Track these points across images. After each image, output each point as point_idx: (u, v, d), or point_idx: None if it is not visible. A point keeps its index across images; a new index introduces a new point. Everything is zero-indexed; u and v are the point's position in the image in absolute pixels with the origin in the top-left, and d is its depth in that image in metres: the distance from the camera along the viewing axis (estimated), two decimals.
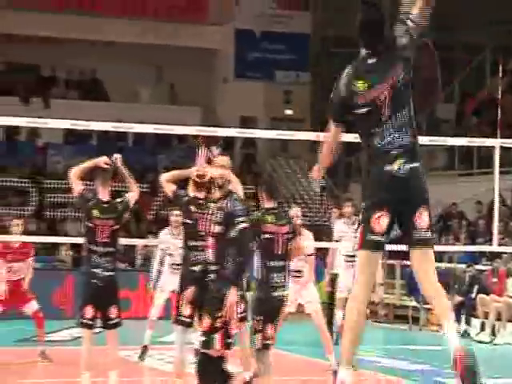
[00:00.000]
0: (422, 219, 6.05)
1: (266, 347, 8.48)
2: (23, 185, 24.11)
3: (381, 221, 5.90)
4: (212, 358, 7.95)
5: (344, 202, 13.87)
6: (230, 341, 8.07)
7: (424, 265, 6.09)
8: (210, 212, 8.60)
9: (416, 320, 19.72)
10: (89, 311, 9.23)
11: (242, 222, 8.09)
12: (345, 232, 13.23)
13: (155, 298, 13.53)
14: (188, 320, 9.26)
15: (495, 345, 17.65)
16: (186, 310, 9.23)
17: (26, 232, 14.71)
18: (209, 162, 9.67)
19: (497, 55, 26.01)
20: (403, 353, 14.79)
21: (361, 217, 6.10)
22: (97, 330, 9.42)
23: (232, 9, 32.32)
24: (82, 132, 27.29)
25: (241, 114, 31.00)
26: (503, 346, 17.48)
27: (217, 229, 8.26)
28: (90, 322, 9.27)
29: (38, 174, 26.55)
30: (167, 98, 32.88)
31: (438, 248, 12.86)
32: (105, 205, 9.45)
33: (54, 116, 15.50)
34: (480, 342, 18.04)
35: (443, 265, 20.44)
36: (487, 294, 18.24)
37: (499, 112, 22.90)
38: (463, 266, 19.84)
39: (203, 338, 7.81)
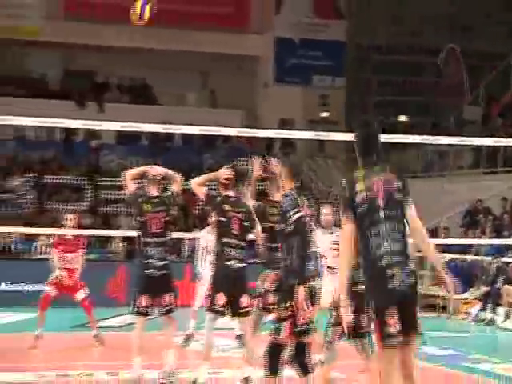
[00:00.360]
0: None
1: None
2: (79, 182, 24.30)
3: None
4: (280, 345, 7.86)
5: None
6: (298, 330, 7.88)
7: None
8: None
9: (444, 309, 19.59)
10: (144, 300, 9.38)
11: (295, 214, 7.98)
12: None
13: (198, 290, 13.56)
14: (221, 309, 9.34)
15: None
16: (221, 300, 9.30)
17: (80, 226, 14.83)
18: (264, 169, 9.89)
19: None
20: (431, 339, 14.70)
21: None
22: (151, 317, 9.55)
23: (272, 18, 32.41)
24: (133, 133, 27.45)
25: (280, 117, 30.99)
26: None
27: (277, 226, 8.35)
28: (145, 310, 9.42)
29: (93, 172, 26.71)
30: (211, 101, 32.95)
31: (465, 241, 12.83)
32: (154, 199, 9.74)
33: (107, 119, 15.55)
34: (505, 329, 17.93)
35: (470, 257, 20.33)
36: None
37: None
38: (489, 258, 19.70)
39: (274, 326, 7.75)
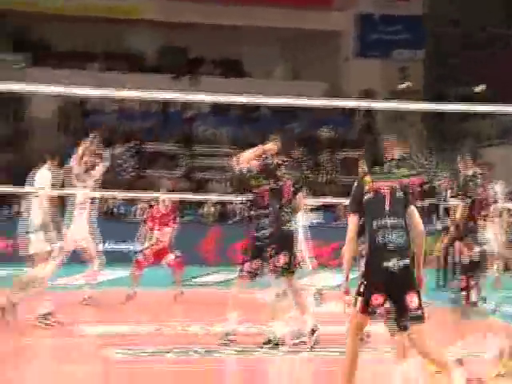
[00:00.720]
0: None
1: None
2: (175, 150, 24.47)
3: None
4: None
5: None
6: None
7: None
8: None
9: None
10: (251, 264, 9.50)
11: None
12: None
13: None
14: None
15: None
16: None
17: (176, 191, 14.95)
18: None
19: None
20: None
21: None
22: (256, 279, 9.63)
23: None
24: (224, 104, 27.51)
25: (361, 88, 30.71)
26: None
27: None
28: (254, 272, 9.52)
29: (188, 141, 26.88)
30: (296, 75, 32.79)
31: None
32: (258, 174, 9.74)
33: (200, 91, 15.59)
34: None
35: None
36: None
37: None
38: None
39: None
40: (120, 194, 19.25)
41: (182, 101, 25.16)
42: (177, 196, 14.51)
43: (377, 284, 6.24)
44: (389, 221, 6.39)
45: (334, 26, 32.00)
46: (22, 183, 11.29)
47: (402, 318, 6.20)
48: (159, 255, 13.39)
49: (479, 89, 31.29)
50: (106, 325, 10.66)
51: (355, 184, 6.70)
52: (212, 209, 22.62)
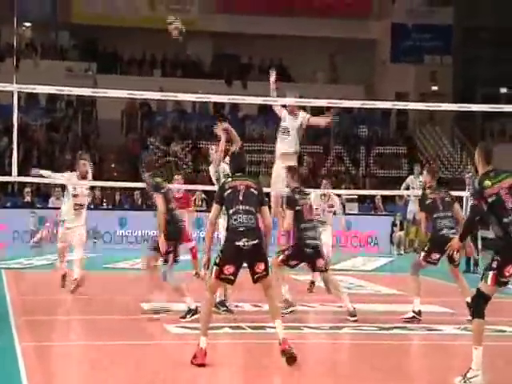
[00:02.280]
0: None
1: None
2: (228, 147, 24.42)
3: None
4: (483, 293, 6.73)
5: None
6: (503, 280, 6.70)
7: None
8: None
9: None
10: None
11: None
12: None
13: None
14: None
15: None
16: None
17: None
18: None
19: None
20: None
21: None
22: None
23: (389, 7, 32.12)
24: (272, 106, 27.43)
25: (395, 91, 30.51)
26: None
27: None
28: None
29: (240, 138, 26.93)
30: (337, 79, 32.68)
31: None
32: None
33: (250, 94, 15.59)
34: None
35: None
36: None
37: None
38: None
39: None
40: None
41: (234, 103, 25.22)
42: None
43: (229, 257, 7.38)
44: (241, 207, 7.44)
45: (372, 34, 31.94)
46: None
47: (254, 277, 7.45)
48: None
49: (504, 90, 30.89)
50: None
51: (220, 185, 7.98)
52: None
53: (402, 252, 20.49)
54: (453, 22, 31.77)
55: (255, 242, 7.37)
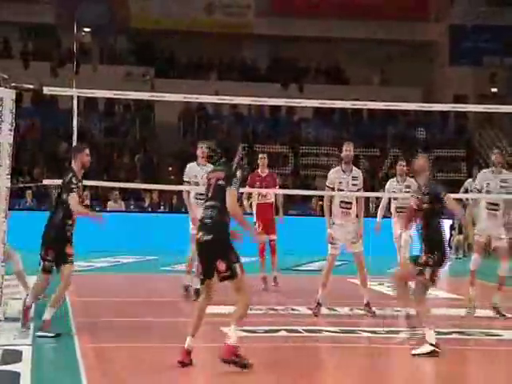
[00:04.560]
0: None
1: None
2: (284, 150, 24.47)
3: None
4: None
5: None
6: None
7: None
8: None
9: None
10: None
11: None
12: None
13: None
14: None
15: None
16: None
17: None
18: None
19: None
20: None
21: None
22: None
23: (448, 8, 31.75)
24: (328, 109, 27.52)
25: (454, 93, 30.17)
26: None
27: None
28: None
29: (295, 141, 26.95)
30: (394, 81, 32.44)
31: None
32: None
33: (306, 97, 15.62)
34: None
35: None
36: None
37: None
38: None
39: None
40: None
41: (290, 106, 25.24)
42: (286, 191, 14.50)
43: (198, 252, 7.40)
44: (207, 203, 7.39)
45: (430, 36, 31.66)
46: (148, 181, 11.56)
47: (218, 276, 7.26)
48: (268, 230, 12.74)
49: None
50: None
51: None
52: (318, 203, 22.61)
53: (461, 256, 20.26)
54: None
55: (209, 237, 7.24)
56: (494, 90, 32.02)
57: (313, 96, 16.36)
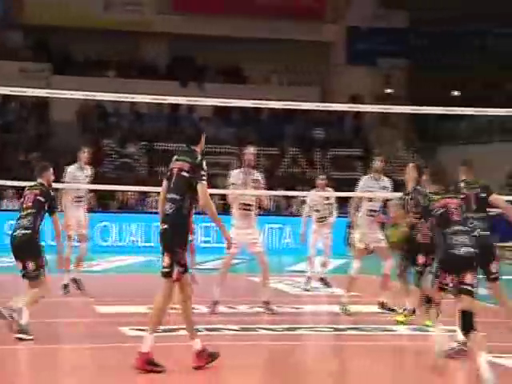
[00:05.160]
0: None
1: None
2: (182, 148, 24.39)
3: None
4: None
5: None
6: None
7: None
8: None
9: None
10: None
11: None
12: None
13: None
14: None
15: None
16: None
17: None
18: None
19: None
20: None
21: None
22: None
23: (344, 9, 32.35)
24: (227, 108, 27.59)
25: (350, 93, 30.73)
26: None
27: None
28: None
29: None
30: (292, 81, 32.79)
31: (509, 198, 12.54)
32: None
33: (205, 96, 15.60)
34: None
35: None
36: None
37: None
38: None
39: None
40: (134, 188, 19.18)
41: (188, 105, 25.15)
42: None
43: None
44: (168, 195, 7.03)
45: (327, 37, 32.12)
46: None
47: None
48: None
49: (455, 93, 31.33)
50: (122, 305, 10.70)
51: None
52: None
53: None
54: (408, 25, 32.12)
55: (164, 226, 6.99)
56: (389, 90, 32.76)
57: (212, 95, 16.39)
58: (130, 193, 22.58)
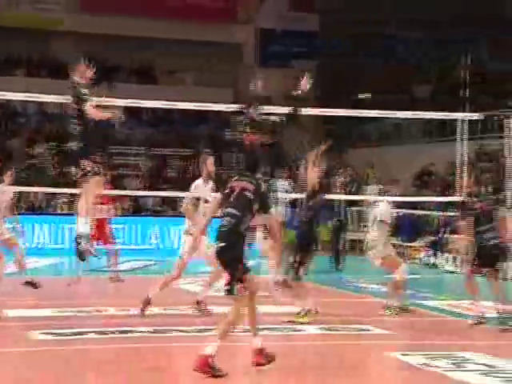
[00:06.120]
0: None
1: None
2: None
3: None
4: None
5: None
6: None
7: None
8: None
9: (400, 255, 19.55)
10: None
11: None
12: None
13: None
14: None
15: (459, 274, 17.59)
16: None
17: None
18: None
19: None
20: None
21: None
22: None
23: (256, 11, 32.64)
24: (139, 109, 27.43)
25: (262, 95, 30.91)
26: None
27: None
28: None
29: (106, 141, 26.58)
30: (205, 82, 32.78)
31: (416, 199, 12.88)
32: None
33: (117, 96, 15.41)
34: (448, 271, 18.03)
35: (420, 212, 20.33)
36: (456, 235, 18.09)
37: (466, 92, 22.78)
38: (436, 212, 19.72)
39: None
40: (42, 189, 18.84)
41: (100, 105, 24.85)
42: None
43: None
44: (226, 210, 7.25)
45: (240, 38, 32.31)
46: None
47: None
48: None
49: (364, 96, 31.90)
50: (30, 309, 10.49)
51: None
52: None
53: None
54: (318, 29, 32.58)
55: (221, 244, 7.17)
56: (300, 92, 33.11)
57: (124, 95, 16.23)
58: (38, 194, 22.14)
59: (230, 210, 7.18)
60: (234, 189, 7.30)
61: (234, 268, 7.09)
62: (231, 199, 7.24)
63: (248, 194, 7.23)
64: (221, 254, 7.17)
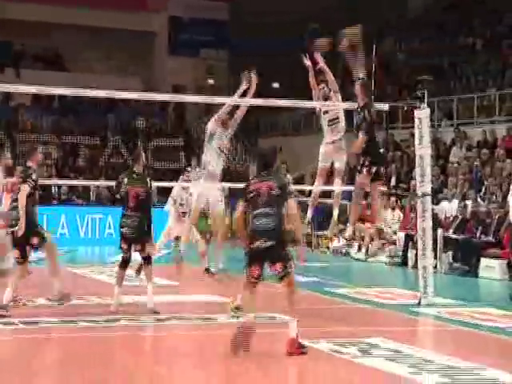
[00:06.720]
0: None
1: None
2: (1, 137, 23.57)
3: None
4: None
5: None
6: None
7: None
8: None
9: (309, 244, 19.86)
10: None
11: None
12: None
13: None
14: None
15: (369, 262, 17.96)
16: None
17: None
18: None
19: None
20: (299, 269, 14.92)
21: None
22: None
23: (166, 0, 32.44)
24: (47, 96, 26.94)
25: (173, 83, 30.77)
26: (375, 262, 17.78)
27: None
28: None
29: (12, 128, 25.99)
30: (116, 69, 32.39)
31: (327, 187, 13.06)
32: None
33: (23, 83, 15.10)
34: (357, 259, 18.36)
35: (331, 200, 20.56)
36: (364, 223, 18.40)
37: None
38: (346, 201, 19.98)
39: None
40: None
41: (6, 91, 24.25)
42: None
43: (253, 258, 7.64)
44: (262, 210, 7.65)
45: (149, 26, 32.10)
46: None
47: (277, 277, 7.69)
48: None
49: (275, 85, 32.11)
50: None
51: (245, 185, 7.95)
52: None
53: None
54: (228, 17, 32.59)
55: (269, 243, 7.54)
56: (211, 81, 33.06)
57: (31, 82, 15.88)
58: None
59: (263, 210, 7.65)
60: (259, 191, 7.72)
61: (285, 260, 7.62)
62: (259, 201, 7.68)
63: (274, 191, 7.71)
64: (269, 252, 7.59)
